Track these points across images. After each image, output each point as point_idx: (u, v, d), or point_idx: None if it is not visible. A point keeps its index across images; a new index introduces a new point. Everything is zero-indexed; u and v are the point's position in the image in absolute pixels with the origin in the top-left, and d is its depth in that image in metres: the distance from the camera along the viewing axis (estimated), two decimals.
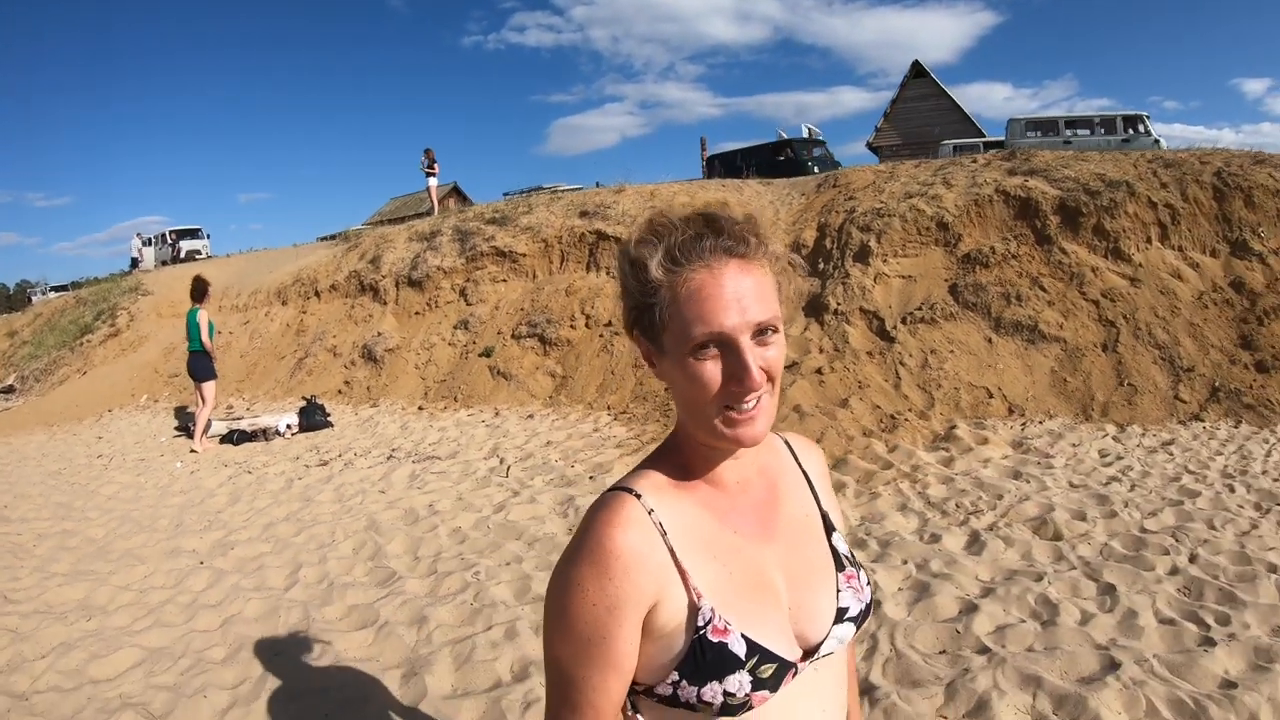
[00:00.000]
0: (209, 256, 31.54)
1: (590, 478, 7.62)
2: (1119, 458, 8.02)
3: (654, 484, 1.26)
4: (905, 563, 5.41)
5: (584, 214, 15.24)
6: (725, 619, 1.20)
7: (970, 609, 4.68)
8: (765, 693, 1.20)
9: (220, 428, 11.09)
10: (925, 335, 10.91)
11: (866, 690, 3.90)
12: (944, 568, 5.31)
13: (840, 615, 1.34)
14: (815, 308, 11.63)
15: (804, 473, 1.49)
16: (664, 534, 1.20)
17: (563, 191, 28.80)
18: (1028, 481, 7.20)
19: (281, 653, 4.46)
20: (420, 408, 12.05)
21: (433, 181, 23.28)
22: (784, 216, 15.08)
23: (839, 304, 11.58)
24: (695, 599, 1.19)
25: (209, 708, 3.89)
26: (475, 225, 16.20)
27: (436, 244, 16.33)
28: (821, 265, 12.84)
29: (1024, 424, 9.19)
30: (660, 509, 1.22)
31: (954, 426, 8.82)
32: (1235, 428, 8.99)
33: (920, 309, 11.41)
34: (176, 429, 12.08)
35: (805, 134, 29.77)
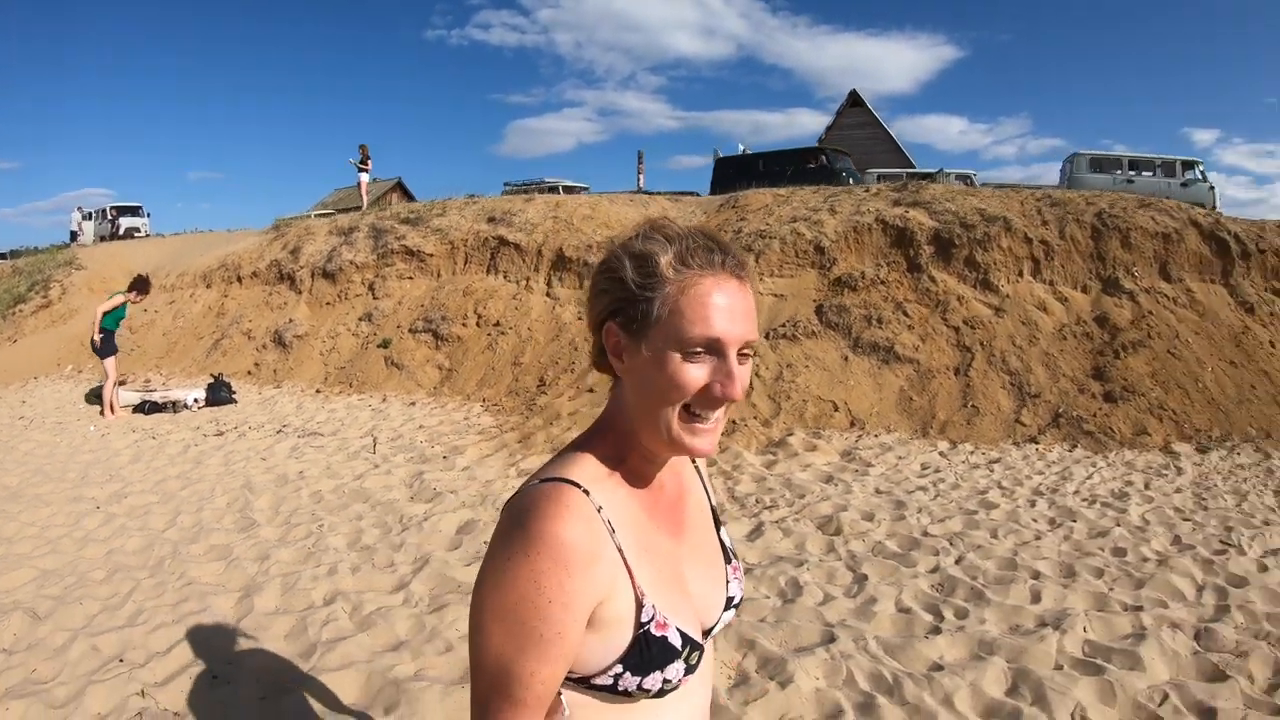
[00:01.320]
0: (147, 235, 31.48)
1: (444, 457, 8.55)
2: (936, 470, 8.59)
3: (593, 477, 1.27)
4: None
5: (491, 220, 15.90)
6: (664, 614, 1.25)
7: None
8: (690, 676, 1.29)
9: (133, 398, 11.80)
10: (785, 350, 11.61)
11: None
12: None
13: (729, 603, 1.45)
14: None
15: (696, 468, 1.59)
16: (612, 531, 1.23)
17: (565, 187, 28.29)
18: (836, 485, 7.80)
19: (148, 576, 5.39)
20: (318, 391, 12.79)
21: (364, 177, 23.32)
22: None
23: None
24: (640, 595, 1.23)
25: (82, 612, 4.82)
26: (390, 224, 16.86)
27: (353, 239, 16.93)
28: None
29: (860, 436, 9.82)
30: (606, 505, 1.24)
31: (790, 434, 9.49)
32: (1069, 451, 9.53)
33: (785, 326, 12.12)
34: (96, 398, 12.79)
35: (740, 151, 28.88)
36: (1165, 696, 3.94)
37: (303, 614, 4.80)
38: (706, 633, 1.38)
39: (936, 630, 4.71)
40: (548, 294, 13.85)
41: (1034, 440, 9.98)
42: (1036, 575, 5.63)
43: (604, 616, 1.20)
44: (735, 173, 25.30)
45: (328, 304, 15.82)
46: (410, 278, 15.47)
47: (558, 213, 15.84)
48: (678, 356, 1.20)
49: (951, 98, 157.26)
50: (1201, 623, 4.84)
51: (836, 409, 10.58)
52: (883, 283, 13.10)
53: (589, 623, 1.19)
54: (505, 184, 31.17)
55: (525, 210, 16.21)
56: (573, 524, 1.16)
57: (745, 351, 1.24)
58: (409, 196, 43.80)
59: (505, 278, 14.51)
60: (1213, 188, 23.17)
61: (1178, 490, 7.98)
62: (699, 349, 1.20)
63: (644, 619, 1.22)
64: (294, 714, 3.78)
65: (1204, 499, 7.70)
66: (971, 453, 9.49)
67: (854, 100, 43.87)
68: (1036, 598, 5.25)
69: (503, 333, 12.93)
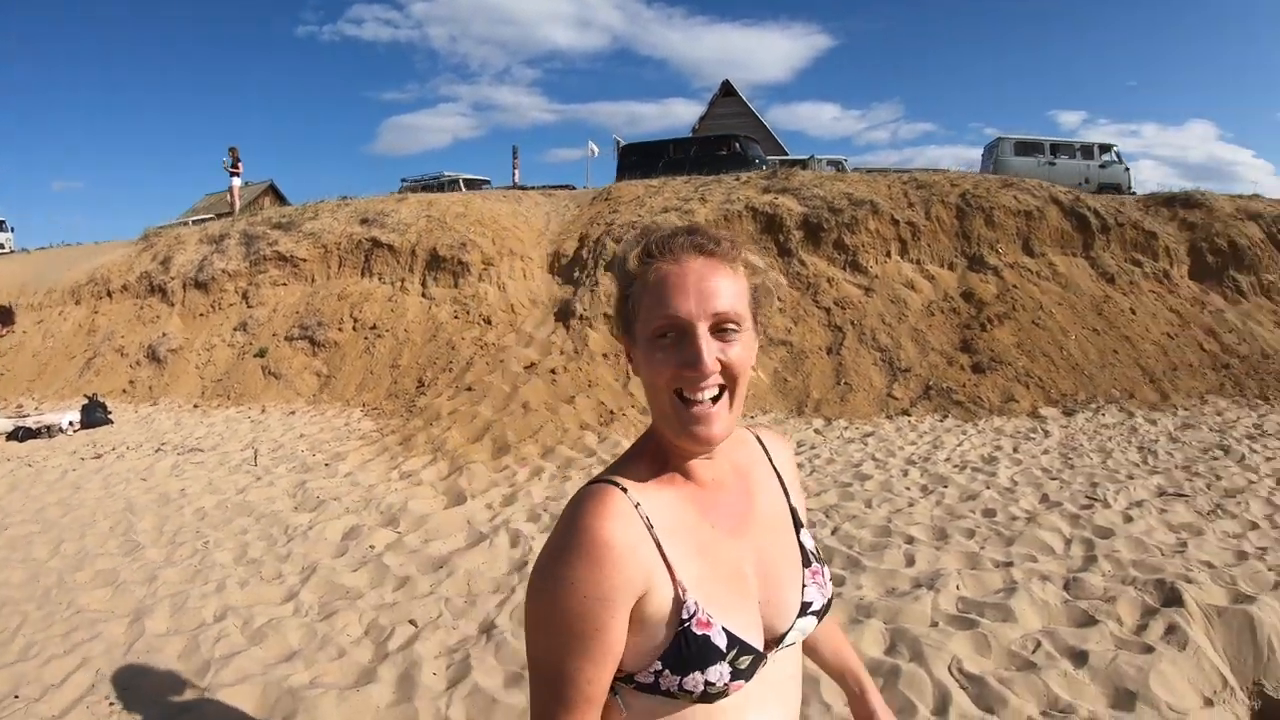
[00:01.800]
0: (12, 251, 30.08)
1: (326, 464, 8.57)
2: (813, 447, 9.05)
3: (635, 477, 1.28)
4: None
5: (364, 221, 15.78)
6: (708, 612, 1.22)
7: None
8: (741, 681, 1.23)
9: (6, 425, 11.41)
10: None
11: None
12: None
13: (804, 609, 1.37)
14: (564, 313, 12.58)
15: (775, 468, 1.51)
16: (650, 527, 1.22)
17: (466, 181, 27.83)
18: None
19: (36, 608, 5.34)
20: (196, 405, 12.56)
21: (236, 181, 22.68)
22: (554, 227, 15.87)
23: (584, 310, 12.53)
24: (680, 592, 1.21)
25: None
26: (262, 230, 16.53)
27: (224, 247, 16.54)
28: (577, 274, 13.73)
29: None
30: (645, 502, 1.24)
31: None
32: (940, 421, 10.11)
33: None
34: None
35: (615, 145, 27.88)
36: (1038, 644, 4.21)
37: (194, 633, 4.84)
38: (778, 640, 1.34)
39: None
40: (423, 294, 13.85)
41: (906, 413, 10.54)
42: (910, 540, 6.02)
43: (645, 612, 1.20)
44: (643, 159, 24.51)
45: (201, 315, 15.46)
46: (284, 284, 15.23)
47: (430, 212, 15.83)
48: (651, 344, 1.22)
49: (825, 85, 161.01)
50: (1070, 573, 5.19)
51: None
52: None
53: (633, 621, 1.19)
54: (402, 180, 30.36)
55: (398, 210, 16.16)
56: (606, 520, 1.18)
57: (727, 326, 1.23)
58: (282, 200, 42.49)
59: (380, 280, 14.45)
60: (1128, 169, 24.47)
61: (1045, 452, 8.49)
62: (665, 332, 1.21)
63: (684, 615, 1.21)
64: None
65: (1070, 458, 8.22)
66: (846, 428, 9.95)
67: (727, 90, 44.18)
68: (911, 561, 5.60)
69: (379, 336, 12.92)
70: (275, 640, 4.70)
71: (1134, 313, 12.76)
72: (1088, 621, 4.55)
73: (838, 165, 26.67)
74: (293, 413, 11.39)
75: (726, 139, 25.28)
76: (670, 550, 1.22)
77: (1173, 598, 4.78)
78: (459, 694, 4.05)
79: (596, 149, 28.26)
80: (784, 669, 1.36)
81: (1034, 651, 4.15)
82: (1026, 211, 14.61)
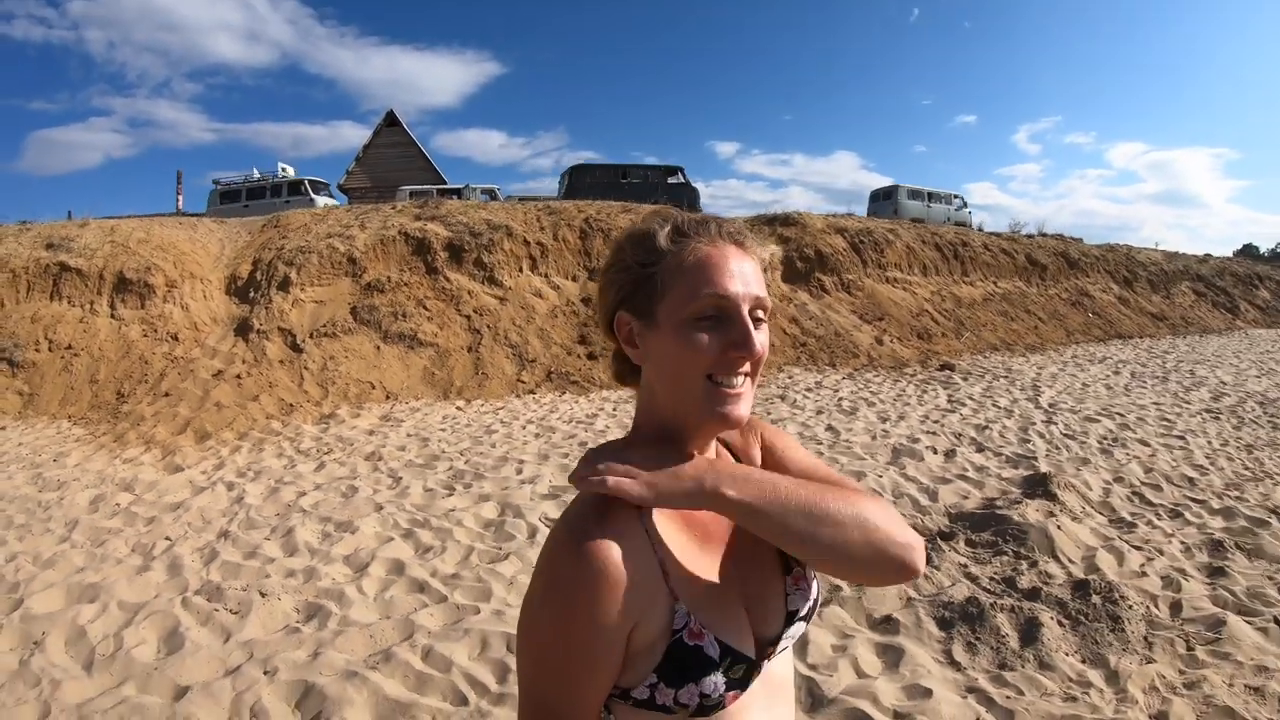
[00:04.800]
0: None
1: (54, 460, 9.29)
2: (455, 419, 10.83)
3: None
4: (270, 481, 7.88)
5: (50, 246, 15.75)
6: (701, 622, 1.13)
7: (302, 495, 7.30)
8: (737, 691, 1.14)
9: None
10: (327, 346, 13.28)
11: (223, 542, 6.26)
12: (294, 480, 7.82)
13: (791, 617, 1.26)
14: (243, 329, 13.61)
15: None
16: (650, 538, 1.14)
17: (313, 183, 27.10)
18: (376, 435, 9.82)
19: None
20: None
21: None
22: (229, 252, 16.59)
23: (261, 325, 13.63)
24: (674, 603, 1.12)
25: None
26: None
27: None
28: (252, 294, 14.73)
29: (394, 405, 11.73)
30: (648, 514, 1.15)
31: (338, 409, 11.23)
32: (560, 396, 12.26)
33: (325, 326, 13.77)
34: None
35: (280, 173, 28.00)
36: None
37: None
38: (768, 645, 1.23)
39: (450, 494, 7.22)
40: (113, 315, 14.31)
41: (532, 392, 12.63)
42: (521, 462, 8.29)
43: (642, 632, 1.10)
44: (598, 181, 27.43)
45: None
46: None
47: (114, 237, 16.09)
48: (688, 325, 1.13)
49: (494, 112, 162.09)
50: None
51: (374, 387, 12.41)
52: (406, 284, 15.20)
53: (631, 642, 1.10)
54: (215, 183, 28.69)
55: (82, 235, 16.24)
56: (599, 550, 1.07)
57: (758, 315, 1.18)
58: None
59: (70, 303, 14.63)
60: (971, 212, 32.17)
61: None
62: (708, 312, 1.14)
63: (676, 625, 1.11)
64: None
65: None
66: (482, 405, 11.82)
67: (390, 120, 44.20)
68: (520, 471, 7.94)
69: (76, 355, 13.32)
70: (63, 564, 5.76)
71: None
72: None
73: (491, 194, 28.37)
74: (2, 428, 11.47)
75: (676, 169, 28.76)
76: (668, 561, 1.14)
77: None
78: (214, 566, 5.61)
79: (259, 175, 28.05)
80: (778, 673, 1.29)
81: None
82: None
